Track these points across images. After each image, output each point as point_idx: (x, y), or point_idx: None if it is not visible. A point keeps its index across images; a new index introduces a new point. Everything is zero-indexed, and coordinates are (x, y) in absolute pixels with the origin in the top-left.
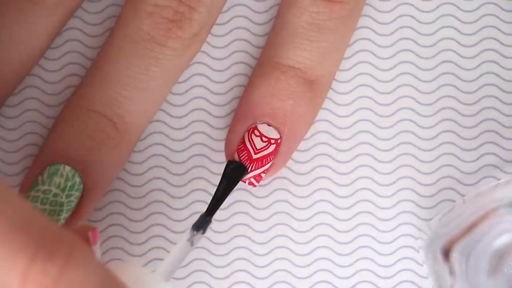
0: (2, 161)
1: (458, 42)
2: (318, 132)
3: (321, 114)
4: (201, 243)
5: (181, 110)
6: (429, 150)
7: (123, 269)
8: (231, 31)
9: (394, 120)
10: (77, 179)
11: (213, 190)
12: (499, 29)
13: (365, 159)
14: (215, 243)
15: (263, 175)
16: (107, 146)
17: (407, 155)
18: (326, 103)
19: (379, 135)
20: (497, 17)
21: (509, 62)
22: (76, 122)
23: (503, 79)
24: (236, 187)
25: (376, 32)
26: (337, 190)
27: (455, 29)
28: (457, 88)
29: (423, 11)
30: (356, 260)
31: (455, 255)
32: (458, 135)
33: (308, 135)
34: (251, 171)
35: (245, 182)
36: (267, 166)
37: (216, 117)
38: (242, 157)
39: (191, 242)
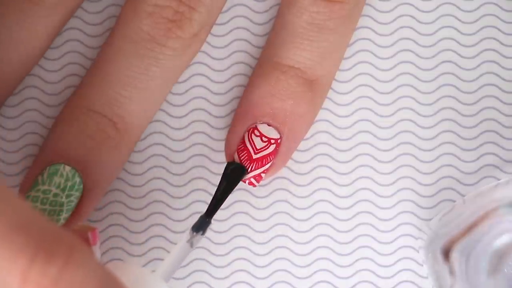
0: (2, 161)
1: (458, 42)
2: (318, 132)
3: (321, 114)
4: (201, 243)
5: (181, 110)
6: (429, 150)
7: (123, 269)
8: (231, 31)
9: (394, 120)
10: (77, 179)
11: (213, 190)
12: (499, 29)
13: (365, 159)
14: (215, 243)
15: (263, 175)
16: (107, 146)
17: (407, 155)
18: (326, 103)
19: (379, 135)
20: (497, 17)
21: (509, 62)
22: (76, 122)
23: (503, 79)
24: (236, 187)
25: (376, 32)
26: (337, 190)
27: (455, 29)
28: (457, 88)
29: (423, 11)
30: (356, 260)
31: (455, 255)
32: (458, 135)
33: (308, 135)
34: (251, 171)
35: (245, 182)
36: (267, 166)
37: (216, 117)
38: (242, 157)
39: (191, 243)
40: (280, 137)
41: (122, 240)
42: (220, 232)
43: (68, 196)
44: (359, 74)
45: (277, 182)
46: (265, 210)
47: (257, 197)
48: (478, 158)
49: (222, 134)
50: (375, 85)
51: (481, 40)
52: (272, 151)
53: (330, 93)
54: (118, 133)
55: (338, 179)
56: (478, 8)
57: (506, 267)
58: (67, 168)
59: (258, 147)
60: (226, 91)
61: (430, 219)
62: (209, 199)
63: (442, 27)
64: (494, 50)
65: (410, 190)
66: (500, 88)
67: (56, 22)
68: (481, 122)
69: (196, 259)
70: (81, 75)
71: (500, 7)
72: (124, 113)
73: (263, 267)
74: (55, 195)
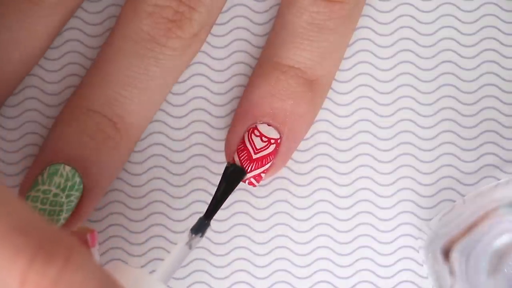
0: (2, 161)
1: (458, 42)
2: (318, 132)
3: (321, 114)
4: (201, 243)
5: (181, 110)
6: (429, 150)
7: (122, 271)
8: (231, 31)
9: (394, 120)
10: (77, 179)
11: (213, 190)
12: (499, 29)
13: (365, 159)
14: (215, 243)
15: (263, 175)
16: (107, 146)
17: (407, 155)
18: (326, 103)
19: (379, 135)
20: (497, 17)
21: (509, 62)
22: (76, 122)
23: (503, 79)
24: (236, 187)
25: (376, 32)
26: (337, 190)
27: (455, 29)
28: (457, 88)
29: (423, 11)
30: (356, 260)
31: (455, 255)
32: (458, 135)
33: (308, 135)
34: (251, 171)
35: (245, 182)
36: (267, 166)
37: (216, 117)
38: (242, 157)
39: (190, 245)
40: (280, 137)
41: (122, 240)
42: (220, 232)
43: (68, 196)
44: (359, 74)
45: (277, 182)
46: (265, 210)
47: (257, 197)
48: (478, 158)
49: (222, 134)
50: (375, 85)
51: (481, 40)
52: (272, 151)
53: (330, 93)
54: (118, 133)
55: (338, 179)
56: (478, 8)
57: (506, 267)
58: (67, 168)
59: (258, 147)
60: (226, 91)
61: (430, 219)
62: (209, 199)
63: (442, 27)
64: (494, 50)
65: (410, 190)
66: (500, 88)
67: (56, 22)
68: (481, 122)
69: (196, 259)
70: (81, 75)
71: (500, 7)
72: (124, 113)
73: (263, 267)
74: (55, 195)
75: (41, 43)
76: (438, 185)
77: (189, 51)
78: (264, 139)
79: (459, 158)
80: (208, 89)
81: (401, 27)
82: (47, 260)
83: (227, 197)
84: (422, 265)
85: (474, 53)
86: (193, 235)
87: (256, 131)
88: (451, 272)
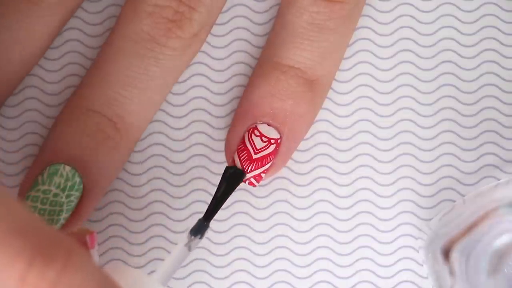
0: (2, 161)
1: (458, 42)
2: (318, 132)
3: (321, 114)
4: (201, 243)
5: (181, 110)
6: (429, 150)
7: (121, 272)
8: (231, 31)
9: (394, 120)
10: (77, 179)
11: (213, 190)
12: (499, 29)
13: (365, 159)
14: (215, 243)
15: (263, 175)
16: (107, 146)
17: (407, 155)
18: (326, 103)
19: (379, 135)
20: (497, 17)
21: (509, 62)
22: (76, 122)
23: (503, 79)
24: (235, 189)
25: (376, 32)
26: (337, 190)
27: (455, 29)
28: (457, 88)
29: (423, 11)
30: (356, 260)
31: (455, 255)
32: (458, 135)
33: (308, 135)
34: (251, 171)
35: (245, 182)
36: (267, 166)
37: (216, 117)
38: (242, 157)
39: (189, 247)
40: (280, 137)
41: (122, 240)
42: (220, 232)
43: (68, 196)
44: (359, 74)
45: (277, 182)
46: (265, 210)
47: (257, 197)
48: (478, 158)
49: (222, 134)
50: (375, 85)
51: (481, 40)
52: (272, 151)
53: (330, 93)
54: (118, 133)
55: (338, 179)
56: (478, 8)
57: (506, 267)
58: (67, 168)
59: (258, 147)
60: (226, 91)
61: (430, 219)
62: (209, 199)
63: (442, 27)
64: (494, 50)
65: (410, 190)
66: (500, 88)
67: (56, 22)
68: (481, 122)
69: (196, 259)
70: (81, 75)
71: (500, 7)
72: (124, 113)
73: (263, 267)
74: (55, 195)
75: (41, 43)
76: (438, 185)
77: (189, 51)
78: (264, 139)
79: (459, 158)
80: (208, 89)
81: (401, 27)
82: (46, 262)
83: (226, 199)
84: (422, 265)
85: (474, 53)
86: (192, 237)
87: (256, 131)
88: (451, 272)
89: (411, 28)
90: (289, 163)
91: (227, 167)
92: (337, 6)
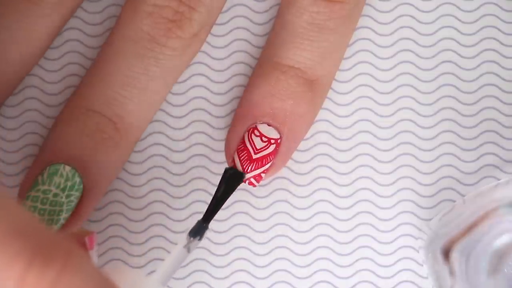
0: (2, 161)
1: (458, 42)
2: (318, 132)
3: (321, 114)
4: (201, 243)
5: (181, 110)
6: (429, 150)
7: (120, 273)
8: (231, 31)
9: (394, 120)
10: (77, 179)
11: (213, 190)
12: (499, 29)
13: (365, 159)
14: (215, 243)
15: (263, 175)
16: (106, 146)
17: (407, 155)
18: (326, 103)
19: (379, 135)
20: (497, 17)
21: (509, 62)
22: (76, 122)
23: (503, 79)
24: (235, 190)
25: (376, 32)
26: (337, 190)
27: (455, 29)
28: (457, 88)
29: (423, 11)
30: (356, 260)
31: (455, 255)
32: (458, 135)
33: (308, 135)
34: (251, 171)
35: (245, 182)
36: (267, 166)
37: (216, 117)
38: (242, 157)
39: (188, 248)
40: (280, 137)
41: (122, 240)
42: (220, 232)
43: (68, 196)
44: (359, 74)
45: (277, 182)
46: (265, 210)
47: (257, 197)
48: (478, 158)
49: (222, 134)
50: (375, 85)
51: (481, 40)
52: (272, 151)
53: (330, 93)
54: (117, 133)
55: (338, 179)
56: (478, 8)
57: (506, 267)
58: (67, 168)
59: (258, 147)
60: (226, 91)
61: (430, 219)
62: (209, 199)
63: (442, 27)
64: (494, 50)
65: (410, 190)
66: (500, 88)
67: (56, 22)
68: (481, 122)
69: (196, 259)
70: (81, 75)
71: (500, 7)
72: (123, 113)
73: (263, 267)
74: (55, 195)
75: (41, 43)
76: (438, 185)
77: (189, 51)
78: (264, 139)
79: (459, 158)
80: (208, 89)
81: (401, 27)
82: (45, 264)
83: (226, 200)
84: (422, 265)
85: (474, 53)
86: (191, 238)
87: (256, 131)
88: (451, 272)
89: (411, 28)
90: (289, 163)
91: (226, 168)
92: (337, 6)
